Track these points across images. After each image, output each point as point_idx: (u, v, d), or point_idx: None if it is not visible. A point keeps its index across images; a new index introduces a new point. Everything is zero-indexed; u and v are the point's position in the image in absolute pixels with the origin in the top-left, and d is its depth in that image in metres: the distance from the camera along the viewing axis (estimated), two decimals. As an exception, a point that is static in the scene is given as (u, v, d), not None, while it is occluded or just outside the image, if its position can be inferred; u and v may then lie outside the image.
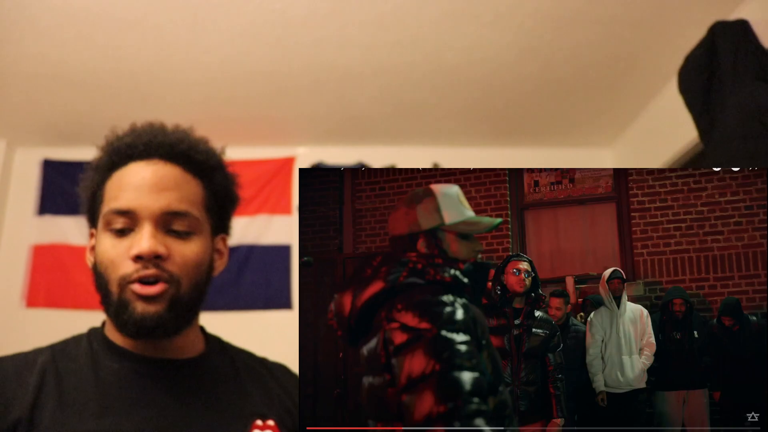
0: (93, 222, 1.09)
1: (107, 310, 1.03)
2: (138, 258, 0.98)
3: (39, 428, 0.91)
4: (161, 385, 1.02)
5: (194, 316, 1.10)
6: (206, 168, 1.09)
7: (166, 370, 1.04)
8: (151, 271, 0.98)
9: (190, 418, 1.00)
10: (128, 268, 0.98)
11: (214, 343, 1.18)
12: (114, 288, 0.99)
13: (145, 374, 1.02)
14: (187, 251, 1.02)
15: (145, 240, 0.97)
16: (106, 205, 1.03)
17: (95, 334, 1.08)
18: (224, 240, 1.17)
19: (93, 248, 1.08)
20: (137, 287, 0.98)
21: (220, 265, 1.14)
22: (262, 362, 1.23)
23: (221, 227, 1.15)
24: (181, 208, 1.02)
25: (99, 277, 1.02)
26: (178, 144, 1.06)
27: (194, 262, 1.03)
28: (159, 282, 0.98)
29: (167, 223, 1.01)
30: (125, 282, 0.98)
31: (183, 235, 1.03)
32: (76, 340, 1.07)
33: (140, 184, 1.01)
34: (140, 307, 0.98)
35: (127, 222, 1.00)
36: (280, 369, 1.25)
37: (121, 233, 1.00)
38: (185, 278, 1.02)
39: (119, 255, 0.99)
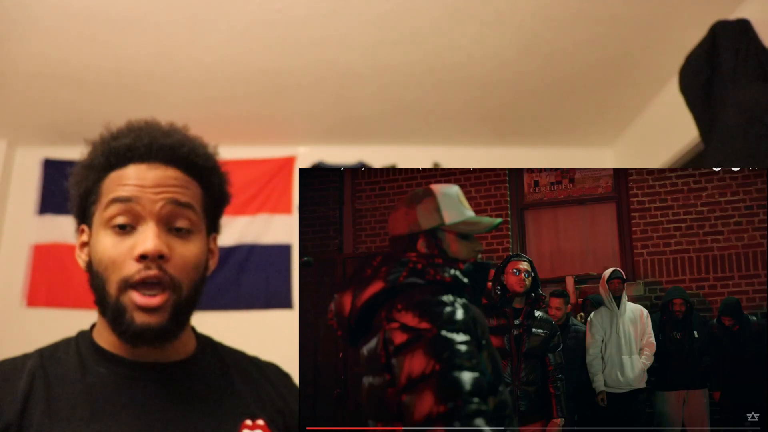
0: (83, 218, 1.07)
1: (103, 312, 1.01)
2: (142, 257, 0.96)
3: None
4: (150, 388, 1.01)
5: (190, 318, 1.10)
6: (205, 170, 1.09)
7: (155, 374, 1.04)
8: (153, 272, 0.97)
9: (179, 421, 1.00)
10: (130, 268, 0.97)
11: (204, 343, 1.17)
12: (113, 290, 0.98)
13: (133, 378, 1.01)
14: (187, 252, 1.02)
15: (150, 239, 0.96)
16: (104, 198, 1.01)
17: (83, 338, 1.07)
18: (215, 239, 1.17)
19: (83, 245, 1.06)
20: (137, 297, 0.96)
21: (212, 264, 1.14)
22: (253, 361, 1.23)
23: (214, 227, 1.15)
24: (185, 200, 1.02)
25: (95, 276, 1.00)
26: (179, 147, 1.05)
27: (193, 263, 1.03)
28: (160, 291, 0.98)
29: (170, 220, 1.01)
30: (126, 285, 0.97)
31: (184, 234, 1.02)
32: (65, 344, 1.06)
33: (142, 183, 1.00)
34: (140, 318, 0.97)
35: (129, 218, 0.98)
36: (272, 368, 1.24)
37: (122, 230, 0.98)
38: (186, 281, 1.01)
39: (121, 254, 0.97)
